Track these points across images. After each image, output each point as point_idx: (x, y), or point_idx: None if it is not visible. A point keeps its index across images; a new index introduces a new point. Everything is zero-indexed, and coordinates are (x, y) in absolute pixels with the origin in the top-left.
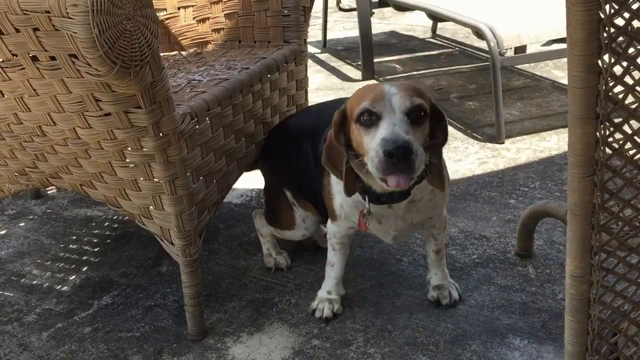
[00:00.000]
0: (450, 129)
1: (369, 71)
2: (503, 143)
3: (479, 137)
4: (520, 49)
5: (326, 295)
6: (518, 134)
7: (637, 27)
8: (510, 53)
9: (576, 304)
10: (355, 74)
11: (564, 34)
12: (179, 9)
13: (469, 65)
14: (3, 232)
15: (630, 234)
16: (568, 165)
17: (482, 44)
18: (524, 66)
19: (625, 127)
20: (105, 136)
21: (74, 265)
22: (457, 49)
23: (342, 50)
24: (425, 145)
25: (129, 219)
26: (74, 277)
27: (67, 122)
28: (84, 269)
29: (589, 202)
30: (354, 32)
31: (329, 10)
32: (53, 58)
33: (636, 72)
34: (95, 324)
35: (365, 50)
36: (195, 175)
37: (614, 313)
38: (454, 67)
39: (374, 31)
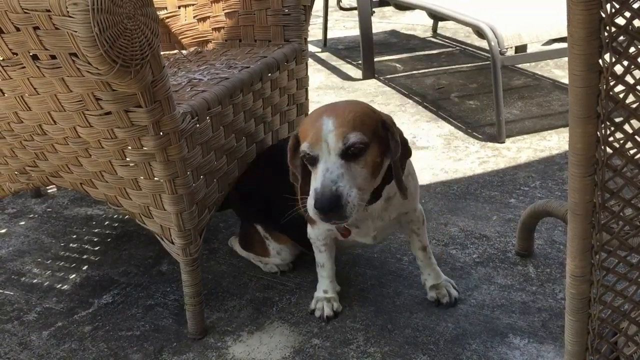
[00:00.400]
0: (450, 128)
1: (369, 70)
2: (504, 142)
3: (480, 136)
4: (521, 48)
5: (323, 295)
6: (519, 133)
7: (638, 26)
8: (510, 52)
9: (576, 303)
10: (356, 73)
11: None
12: (179, 7)
13: (470, 65)
14: (3, 230)
15: (630, 234)
16: (569, 165)
17: (483, 43)
18: (525, 65)
19: (626, 127)
20: (105, 135)
21: (74, 264)
22: (457, 48)
23: (342, 49)
24: (376, 169)
25: (130, 217)
26: (74, 275)
27: (68, 121)
28: (84, 267)
29: (589, 201)
30: (355, 31)
31: (329, 9)
32: (53, 57)
33: (637, 71)
34: (95, 323)
35: (365, 49)
36: (196, 174)
37: (615, 312)
38: (454, 66)
39: (374, 30)
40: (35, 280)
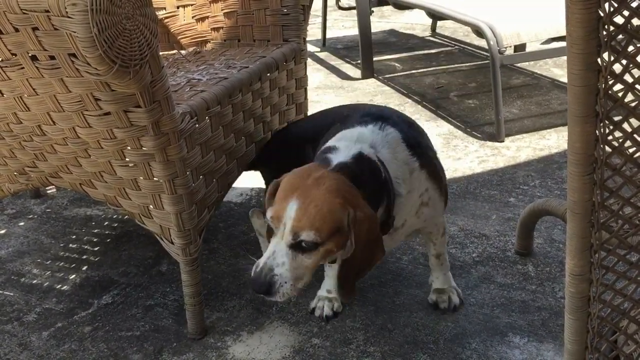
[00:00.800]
0: (450, 127)
1: (368, 70)
2: (503, 141)
3: (479, 135)
4: (520, 47)
5: (326, 294)
6: (518, 132)
7: (636, 25)
8: (509, 51)
9: (576, 302)
10: (355, 72)
11: (563, 32)
12: (178, 7)
13: (469, 64)
14: (3, 231)
15: (630, 232)
16: (568, 164)
17: (482, 42)
18: (524, 64)
19: (625, 125)
20: (104, 135)
21: (73, 265)
22: (456, 47)
23: (341, 48)
24: (328, 257)
25: (129, 218)
26: (74, 276)
27: (67, 121)
28: (84, 268)
29: (588, 200)
30: (354, 31)
31: (328, 9)
32: (52, 57)
33: (635, 70)
34: (95, 323)
35: (364, 49)
36: (195, 174)
37: (614, 311)
38: (453, 66)
39: (373, 30)
40: (34, 281)
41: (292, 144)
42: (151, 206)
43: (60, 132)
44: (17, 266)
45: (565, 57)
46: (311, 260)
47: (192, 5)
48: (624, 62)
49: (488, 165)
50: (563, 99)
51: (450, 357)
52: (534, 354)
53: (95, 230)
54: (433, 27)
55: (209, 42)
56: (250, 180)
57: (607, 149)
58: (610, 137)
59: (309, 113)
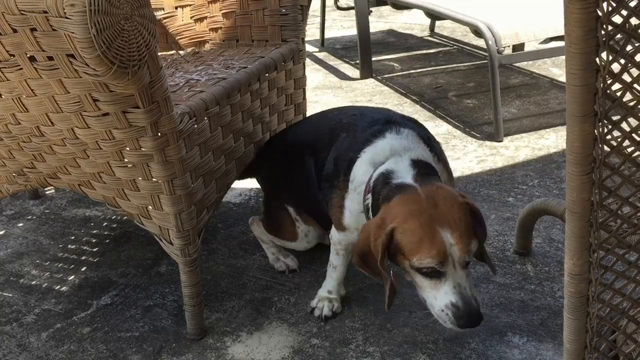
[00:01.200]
0: (448, 127)
1: (367, 70)
2: (501, 141)
3: (478, 135)
4: (518, 47)
5: (327, 295)
6: (516, 132)
7: (634, 25)
8: (508, 51)
9: (575, 301)
10: (354, 72)
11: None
12: (176, 8)
13: (467, 63)
14: (1, 232)
15: (628, 232)
16: (566, 163)
17: (480, 42)
18: (522, 64)
19: (624, 125)
20: (103, 136)
21: (72, 266)
22: (455, 47)
23: (340, 48)
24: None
25: (128, 218)
26: (72, 277)
27: (65, 122)
28: (83, 269)
29: (587, 199)
30: (352, 31)
31: (327, 9)
32: (51, 58)
33: (634, 69)
34: (94, 324)
35: (363, 49)
36: (194, 175)
37: (613, 311)
38: (452, 65)
39: (372, 30)
40: (33, 282)
41: (292, 155)
42: (150, 207)
43: (59, 133)
44: (16, 267)
45: (563, 57)
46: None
47: (190, 5)
48: (622, 61)
49: (487, 165)
50: (562, 99)
51: (449, 356)
52: (533, 353)
53: (94, 231)
54: (431, 27)
55: (208, 42)
56: (249, 180)
57: (606, 148)
58: (608, 137)
59: (308, 113)
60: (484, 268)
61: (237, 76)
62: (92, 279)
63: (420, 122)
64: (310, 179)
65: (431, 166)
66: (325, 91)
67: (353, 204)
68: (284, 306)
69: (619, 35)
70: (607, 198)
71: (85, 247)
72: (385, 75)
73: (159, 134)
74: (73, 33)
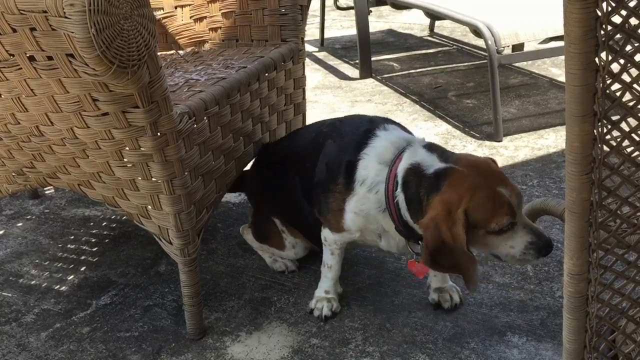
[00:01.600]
0: (448, 126)
1: (366, 69)
2: (501, 141)
3: (477, 135)
4: (518, 47)
5: (324, 295)
6: (516, 132)
7: (634, 25)
8: (507, 51)
9: (574, 301)
10: (353, 72)
11: (561, 32)
12: (176, 8)
13: (467, 63)
14: (1, 232)
15: (628, 232)
16: (566, 163)
17: (480, 42)
18: (522, 64)
19: (623, 125)
20: (103, 136)
21: (72, 265)
22: (454, 47)
23: (339, 48)
24: None
25: (127, 218)
26: (72, 277)
27: (65, 122)
28: (82, 268)
29: (586, 199)
30: (352, 31)
31: (326, 9)
32: (50, 58)
33: (633, 69)
34: (93, 324)
35: (362, 49)
36: (194, 175)
37: (612, 311)
38: (451, 65)
39: (371, 29)
40: (33, 282)
41: (277, 168)
42: (149, 207)
43: (58, 133)
44: (15, 267)
45: (563, 57)
46: None
47: (190, 5)
48: (621, 61)
49: None
50: (561, 99)
51: (449, 356)
52: (532, 353)
53: (94, 231)
54: (431, 27)
55: (207, 42)
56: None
57: (605, 148)
58: (608, 137)
59: (308, 113)
60: (482, 268)
61: (236, 76)
62: (91, 279)
63: (420, 122)
64: (293, 192)
65: (435, 144)
66: (324, 91)
67: (361, 205)
68: (283, 306)
69: (618, 35)
70: (606, 198)
71: (84, 247)
72: (385, 75)
73: (159, 134)
74: (72, 33)
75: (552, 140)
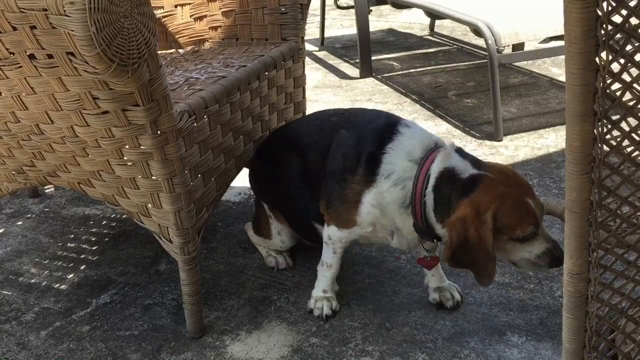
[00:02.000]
0: (448, 126)
1: (366, 69)
2: (501, 140)
3: (477, 134)
4: (518, 47)
5: (322, 294)
6: (516, 132)
7: (634, 25)
8: (508, 50)
9: (574, 301)
10: (353, 71)
11: (561, 32)
12: (176, 6)
13: (467, 63)
14: (1, 230)
15: (628, 231)
16: (566, 163)
17: (480, 42)
18: (522, 63)
19: (623, 125)
20: (103, 134)
21: (72, 264)
22: (454, 46)
23: (339, 47)
24: None
25: (127, 217)
26: (72, 275)
27: (65, 120)
28: (82, 267)
29: (586, 199)
30: (352, 30)
31: (326, 8)
32: (50, 56)
33: (634, 69)
34: (93, 323)
35: (363, 48)
36: (194, 173)
37: (612, 310)
38: (451, 65)
39: (371, 29)
40: (33, 280)
41: (276, 153)
42: (149, 205)
43: (59, 131)
44: (15, 265)
45: (563, 56)
46: None
47: (190, 4)
48: (622, 61)
49: None
50: (561, 98)
51: (448, 356)
52: (532, 352)
53: (94, 230)
54: (431, 26)
55: (207, 41)
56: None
57: (605, 148)
58: (608, 136)
59: (308, 112)
60: None
61: (236, 75)
62: (91, 278)
63: (420, 121)
64: (292, 179)
65: (463, 149)
66: (324, 90)
67: (381, 198)
68: (283, 305)
69: (618, 35)
70: (606, 197)
71: (84, 246)
72: (385, 75)
73: (159, 132)
74: (73, 31)
75: (552, 139)
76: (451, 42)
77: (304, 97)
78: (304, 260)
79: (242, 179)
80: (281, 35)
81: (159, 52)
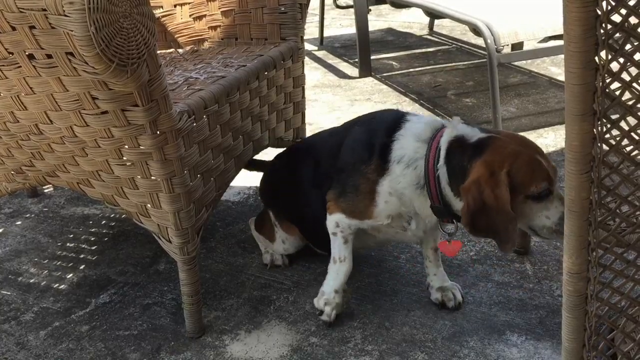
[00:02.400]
0: None
1: (366, 68)
2: None
3: None
4: (517, 46)
5: (334, 295)
6: (515, 131)
7: (633, 24)
8: (507, 50)
9: (573, 300)
10: (352, 71)
11: (560, 31)
12: (175, 6)
13: (466, 62)
14: (0, 230)
15: (627, 230)
16: (565, 162)
17: (479, 41)
18: (521, 63)
19: (622, 124)
20: (102, 134)
21: (71, 264)
22: (454, 45)
23: (339, 47)
24: None
25: (127, 217)
26: (71, 275)
27: (64, 120)
28: (81, 267)
29: (586, 198)
30: (351, 30)
31: (325, 8)
32: (49, 56)
33: (633, 68)
34: (92, 322)
35: (362, 48)
36: (193, 173)
37: (611, 309)
38: (451, 64)
39: (370, 28)
40: (32, 280)
41: (285, 164)
42: (149, 205)
43: (58, 131)
44: (14, 265)
45: (562, 56)
46: None
47: (189, 3)
48: (621, 60)
49: None
50: (560, 98)
51: (448, 355)
52: (531, 352)
53: (93, 229)
54: (430, 26)
55: (207, 40)
56: (248, 179)
57: (605, 147)
58: (607, 136)
59: (307, 112)
60: (482, 267)
61: (236, 74)
62: (90, 277)
63: None
64: (301, 183)
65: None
66: (324, 90)
67: (396, 184)
68: (282, 304)
69: (618, 34)
70: (606, 197)
71: (83, 246)
72: (384, 74)
73: (158, 132)
74: (72, 31)
75: (551, 139)
76: (450, 41)
77: (303, 96)
78: (303, 260)
79: (241, 179)
80: (280, 35)
81: (158, 51)
